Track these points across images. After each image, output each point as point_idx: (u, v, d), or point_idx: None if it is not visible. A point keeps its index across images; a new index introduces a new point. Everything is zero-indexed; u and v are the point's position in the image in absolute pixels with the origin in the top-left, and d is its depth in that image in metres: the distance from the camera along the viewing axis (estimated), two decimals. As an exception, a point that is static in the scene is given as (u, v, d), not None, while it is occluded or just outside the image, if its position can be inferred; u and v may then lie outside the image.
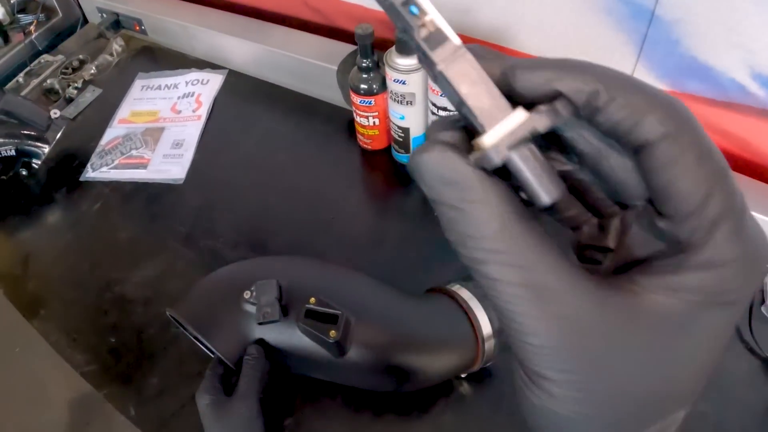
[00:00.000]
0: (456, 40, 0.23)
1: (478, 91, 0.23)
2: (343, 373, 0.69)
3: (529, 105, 0.23)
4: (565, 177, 0.26)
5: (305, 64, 1.09)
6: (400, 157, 0.97)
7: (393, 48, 0.85)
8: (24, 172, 1.10)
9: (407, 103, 0.86)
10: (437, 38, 0.23)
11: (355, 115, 0.94)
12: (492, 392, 0.72)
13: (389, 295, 0.70)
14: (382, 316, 0.68)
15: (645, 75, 0.82)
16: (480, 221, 0.22)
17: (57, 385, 0.81)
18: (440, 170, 0.23)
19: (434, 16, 0.23)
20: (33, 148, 1.04)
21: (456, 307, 0.67)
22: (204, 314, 0.67)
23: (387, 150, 1.00)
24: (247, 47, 1.16)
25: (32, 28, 1.36)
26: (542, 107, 0.22)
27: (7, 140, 1.01)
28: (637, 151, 0.23)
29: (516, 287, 0.22)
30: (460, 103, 0.23)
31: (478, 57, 0.23)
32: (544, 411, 0.25)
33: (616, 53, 0.83)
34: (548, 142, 0.26)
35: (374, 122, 0.93)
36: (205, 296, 0.69)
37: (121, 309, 0.88)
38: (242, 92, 1.18)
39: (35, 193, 1.08)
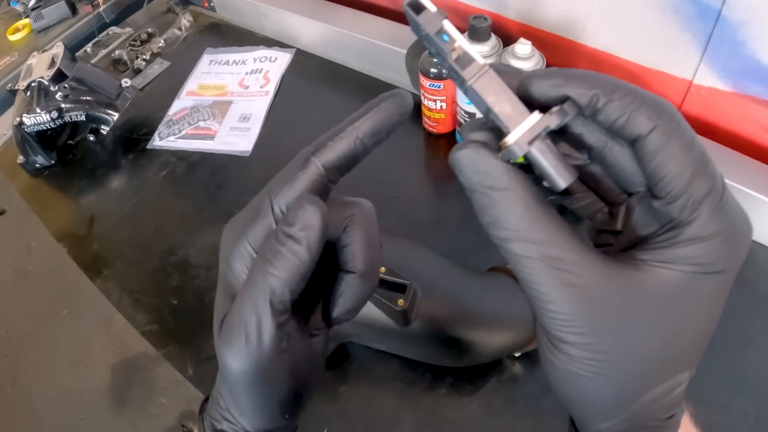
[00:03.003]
0: (480, 60, 0.27)
1: (501, 100, 0.27)
2: (405, 343, 0.71)
3: (544, 109, 0.27)
4: (578, 170, 0.30)
5: (372, 45, 1.09)
6: (465, 141, 0.97)
7: (465, 34, 0.86)
8: (92, 138, 1.12)
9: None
10: (465, 59, 0.27)
11: (422, 98, 0.95)
12: (543, 374, 0.72)
13: (454, 270, 0.71)
14: (447, 290, 0.69)
15: (708, 75, 0.82)
16: (506, 205, 0.26)
17: (101, 348, 0.81)
18: (474, 164, 0.27)
19: (462, 42, 0.27)
20: (103, 115, 1.06)
21: (516, 286, 0.68)
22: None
23: (451, 134, 1.00)
24: (315, 27, 1.17)
25: (100, 0, 1.39)
26: (553, 109, 0.27)
27: (77, 105, 1.03)
28: (632, 143, 0.27)
29: (537, 261, 0.26)
30: (487, 110, 0.27)
31: (500, 72, 0.28)
32: (564, 372, 0.28)
33: (681, 51, 0.83)
34: (564, 140, 0.30)
35: (441, 106, 0.93)
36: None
37: (184, 273, 0.89)
38: (309, 71, 1.19)
39: (102, 158, 1.10)
